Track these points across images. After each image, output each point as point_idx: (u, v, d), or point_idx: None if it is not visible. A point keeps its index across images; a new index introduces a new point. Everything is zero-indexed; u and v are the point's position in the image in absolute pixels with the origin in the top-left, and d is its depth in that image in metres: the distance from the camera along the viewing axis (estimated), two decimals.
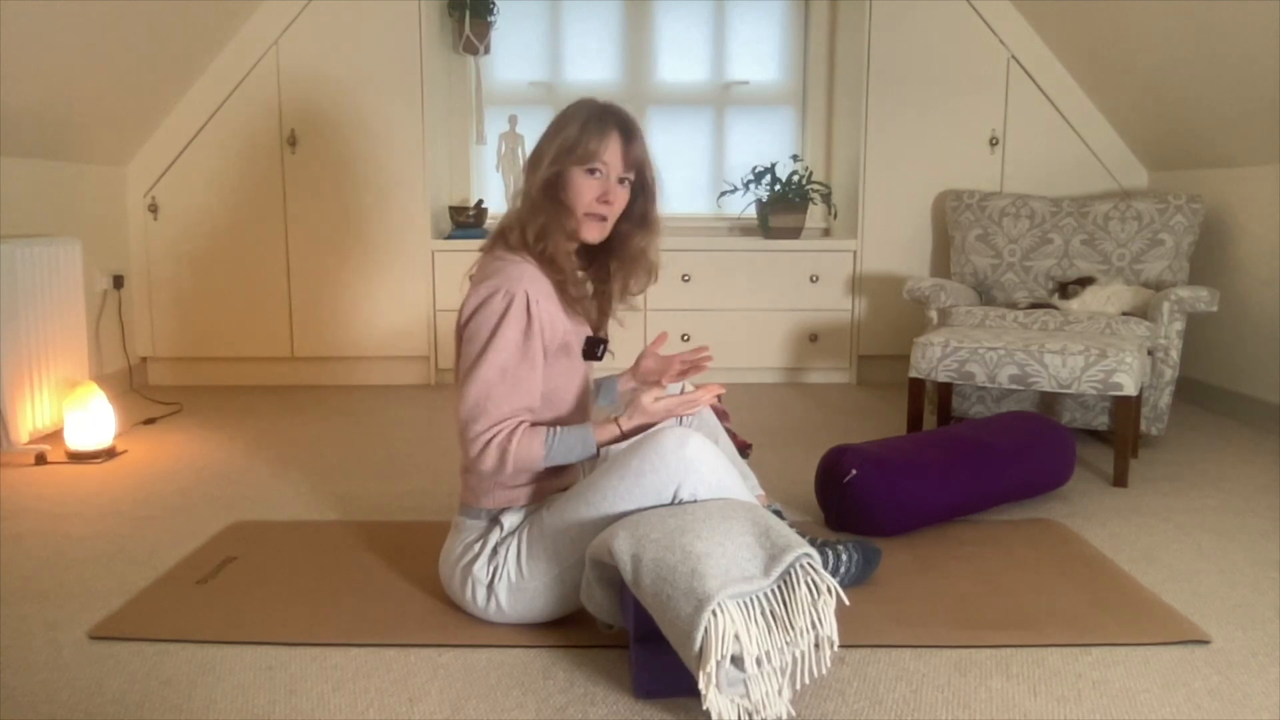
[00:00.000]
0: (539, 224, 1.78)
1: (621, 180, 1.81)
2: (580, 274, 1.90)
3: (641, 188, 1.87)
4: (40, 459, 2.97)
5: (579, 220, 1.79)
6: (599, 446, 1.76)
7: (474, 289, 1.78)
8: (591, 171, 1.78)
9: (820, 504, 2.46)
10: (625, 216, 1.87)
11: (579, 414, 1.90)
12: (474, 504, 1.83)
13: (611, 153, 1.78)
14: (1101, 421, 3.15)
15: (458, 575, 1.82)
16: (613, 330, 2.00)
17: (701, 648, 1.39)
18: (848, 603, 1.51)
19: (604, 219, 1.81)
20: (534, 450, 1.72)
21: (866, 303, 4.26)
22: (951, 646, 1.76)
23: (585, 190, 1.78)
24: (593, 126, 1.78)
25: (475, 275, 1.83)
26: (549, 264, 1.79)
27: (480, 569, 1.79)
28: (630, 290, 1.95)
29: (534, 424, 1.78)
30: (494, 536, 1.79)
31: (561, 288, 1.81)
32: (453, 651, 1.74)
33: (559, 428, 1.76)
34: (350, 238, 4.14)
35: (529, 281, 1.75)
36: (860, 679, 1.64)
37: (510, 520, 1.80)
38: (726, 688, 1.42)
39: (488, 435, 1.71)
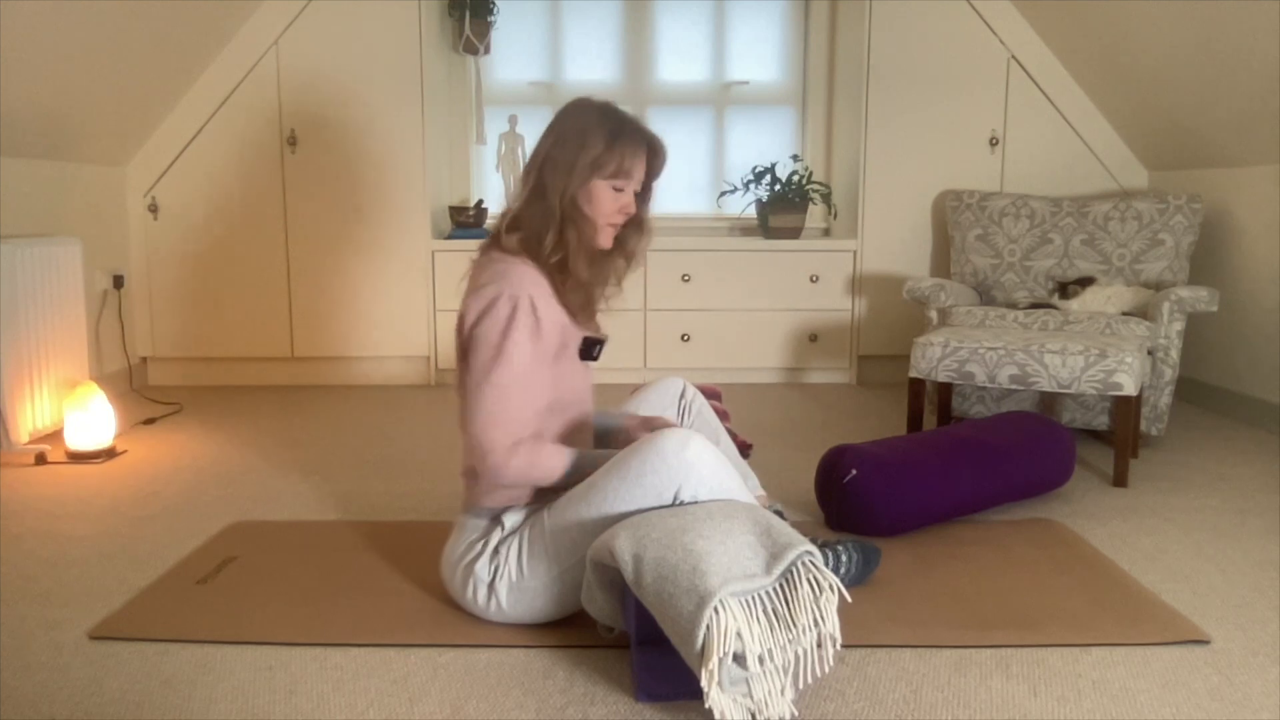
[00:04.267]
0: (559, 234, 1.81)
1: (635, 193, 1.88)
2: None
3: (645, 196, 1.94)
4: (40, 459, 2.97)
5: (597, 229, 1.84)
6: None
7: (475, 292, 1.79)
8: (617, 187, 1.83)
9: (820, 504, 2.46)
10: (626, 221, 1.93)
11: (588, 414, 1.94)
12: (477, 503, 1.84)
13: (639, 169, 1.86)
14: (1101, 421, 3.15)
15: (459, 574, 1.82)
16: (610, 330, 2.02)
17: (703, 645, 1.39)
18: (850, 600, 1.52)
19: (617, 226, 1.88)
20: (555, 460, 1.76)
21: (866, 303, 4.26)
22: (951, 646, 1.76)
23: (608, 202, 1.84)
24: (626, 144, 1.82)
25: (473, 277, 1.85)
26: (557, 271, 1.82)
27: (482, 568, 1.79)
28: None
29: (556, 433, 1.83)
30: (495, 535, 1.80)
31: (560, 291, 1.83)
32: (453, 651, 1.74)
33: (583, 450, 1.81)
34: (350, 238, 4.14)
35: (531, 284, 1.77)
36: (860, 679, 1.64)
37: (511, 520, 1.80)
38: (729, 686, 1.42)
39: (509, 441, 1.73)
